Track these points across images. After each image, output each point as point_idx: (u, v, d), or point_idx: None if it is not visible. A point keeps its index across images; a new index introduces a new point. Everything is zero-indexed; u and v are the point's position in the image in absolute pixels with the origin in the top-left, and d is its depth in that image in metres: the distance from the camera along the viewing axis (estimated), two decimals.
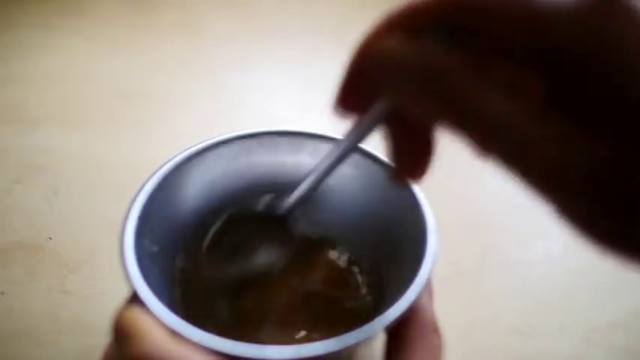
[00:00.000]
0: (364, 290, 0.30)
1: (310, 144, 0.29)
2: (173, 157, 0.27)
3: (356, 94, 0.18)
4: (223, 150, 0.28)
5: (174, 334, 0.19)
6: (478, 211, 0.44)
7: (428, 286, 0.22)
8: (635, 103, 0.12)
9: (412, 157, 0.19)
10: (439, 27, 0.14)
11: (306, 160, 0.30)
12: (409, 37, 0.15)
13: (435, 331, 0.21)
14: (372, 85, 0.17)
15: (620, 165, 0.12)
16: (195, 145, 0.28)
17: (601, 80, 0.12)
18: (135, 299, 0.20)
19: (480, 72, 0.13)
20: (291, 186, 0.24)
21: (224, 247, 0.27)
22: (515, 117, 0.13)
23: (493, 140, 0.14)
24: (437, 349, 0.21)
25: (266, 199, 0.26)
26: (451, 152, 0.49)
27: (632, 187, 0.12)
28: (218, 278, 0.27)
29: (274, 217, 0.25)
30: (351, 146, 0.20)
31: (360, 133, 0.19)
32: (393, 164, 0.19)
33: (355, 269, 0.31)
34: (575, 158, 0.13)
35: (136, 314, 0.19)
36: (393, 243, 0.27)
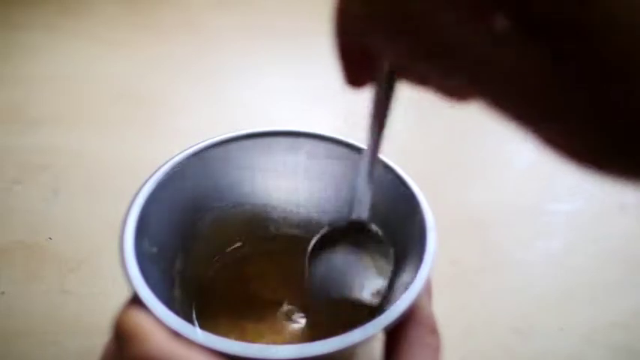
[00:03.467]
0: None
1: (308, 144, 0.29)
2: (171, 158, 0.27)
3: (354, 62, 0.18)
4: (221, 150, 0.28)
5: (176, 334, 0.19)
6: (478, 211, 0.44)
7: (427, 286, 0.23)
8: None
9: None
10: None
11: (303, 160, 0.30)
12: None
13: (434, 331, 0.21)
14: (362, 45, 0.17)
15: (580, 73, 0.13)
16: (193, 146, 0.28)
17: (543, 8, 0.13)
18: (135, 300, 0.20)
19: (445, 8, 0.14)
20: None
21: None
22: (481, 38, 0.13)
23: (465, 67, 0.14)
24: (435, 350, 0.21)
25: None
26: (452, 152, 0.49)
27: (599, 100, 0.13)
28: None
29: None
30: (385, 109, 0.20)
31: (382, 103, 0.20)
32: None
33: None
34: (537, 70, 0.13)
35: (137, 315, 0.19)
36: (392, 243, 0.27)
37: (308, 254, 0.26)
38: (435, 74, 0.16)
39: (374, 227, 0.25)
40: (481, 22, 0.14)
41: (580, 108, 0.13)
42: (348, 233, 0.26)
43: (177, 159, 0.27)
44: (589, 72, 0.13)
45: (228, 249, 0.31)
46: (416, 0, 0.14)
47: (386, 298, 0.25)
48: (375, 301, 0.25)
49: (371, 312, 0.24)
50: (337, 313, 0.26)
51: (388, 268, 0.25)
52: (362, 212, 0.25)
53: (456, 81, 0.15)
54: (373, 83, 0.20)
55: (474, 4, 0.14)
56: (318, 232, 0.26)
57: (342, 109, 0.54)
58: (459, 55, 0.14)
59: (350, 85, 0.19)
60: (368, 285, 0.25)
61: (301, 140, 0.29)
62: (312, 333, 0.28)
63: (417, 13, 0.14)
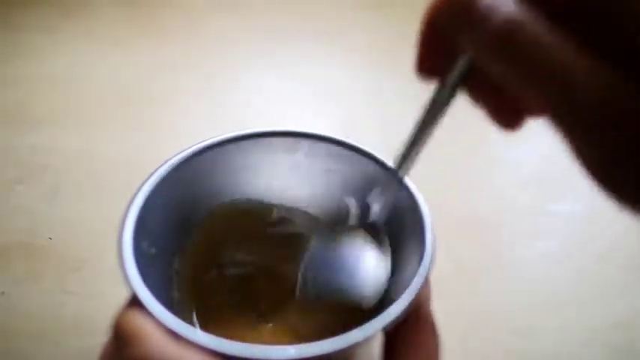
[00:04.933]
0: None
1: (306, 144, 0.29)
2: (170, 159, 0.27)
3: (435, 52, 0.18)
4: (220, 151, 0.28)
5: (175, 335, 0.19)
6: (478, 211, 0.44)
7: (426, 286, 0.23)
8: None
9: (504, 108, 0.19)
10: None
11: (301, 160, 0.30)
12: None
13: (434, 331, 0.21)
14: (450, 40, 0.17)
15: None
16: (191, 147, 0.28)
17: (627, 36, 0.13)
18: (134, 301, 0.20)
19: (549, 28, 0.14)
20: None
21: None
22: (575, 66, 0.14)
23: (551, 90, 0.14)
24: (435, 349, 0.21)
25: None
26: (451, 152, 0.49)
27: None
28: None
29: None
30: (437, 114, 0.20)
31: (443, 99, 0.19)
32: (491, 116, 0.19)
33: None
34: (618, 101, 0.13)
35: (136, 316, 0.19)
36: (390, 243, 0.27)
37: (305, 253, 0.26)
38: (518, 85, 0.15)
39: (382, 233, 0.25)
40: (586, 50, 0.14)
41: None
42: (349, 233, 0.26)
43: (176, 159, 0.27)
44: None
45: (228, 249, 0.31)
46: (532, 24, 0.14)
47: (383, 299, 0.25)
48: (369, 302, 0.25)
49: (364, 313, 0.23)
50: (329, 314, 0.26)
51: (385, 270, 0.25)
52: (379, 216, 0.25)
53: (537, 98, 0.15)
54: (441, 79, 0.19)
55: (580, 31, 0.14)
56: (317, 231, 0.26)
57: (341, 110, 0.54)
58: (554, 75, 0.14)
59: (422, 72, 0.19)
60: (363, 286, 0.25)
61: (300, 140, 0.29)
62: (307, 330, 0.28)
63: (531, 37, 0.14)
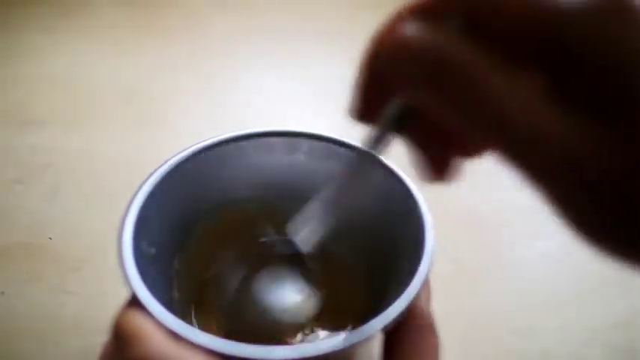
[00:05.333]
0: (362, 290, 0.30)
1: (306, 144, 0.29)
2: (170, 159, 0.27)
3: (372, 94, 0.17)
4: (220, 151, 0.28)
5: (175, 335, 0.19)
6: (478, 211, 0.44)
7: (426, 286, 0.23)
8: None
9: (436, 158, 0.19)
10: (452, 16, 0.14)
11: (301, 160, 0.30)
12: (423, 25, 0.14)
13: (433, 331, 0.21)
14: (387, 81, 0.16)
15: (625, 159, 0.12)
16: (191, 147, 0.28)
17: (604, 78, 0.12)
18: (134, 302, 0.20)
19: (491, 63, 0.13)
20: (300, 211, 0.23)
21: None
22: (525, 104, 0.13)
23: (501, 131, 0.14)
24: (434, 349, 0.21)
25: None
26: None
27: (633, 185, 0.12)
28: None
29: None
30: (369, 159, 0.19)
31: (376, 143, 0.18)
32: (418, 166, 0.19)
33: (354, 269, 0.31)
34: (581, 148, 0.13)
35: (136, 316, 0.19)
36: (391, 242, 0.27)
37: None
38: (461, 126, 0.15)
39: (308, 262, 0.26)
40: (524, 77, 0.13)
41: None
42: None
43: (175, 159, 0.27)
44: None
45: (227, 249, 0.31)
46: (473, 60, 0.13)
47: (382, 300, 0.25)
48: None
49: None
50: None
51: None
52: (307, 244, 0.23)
53: (480, 136, 0.14)
54: (379, 121, 0.18)
55: (513, 54, 0.13)
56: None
57: (341, 110, 0.54)
58: (504, 115, 0.13)
59: (356, 112, 0.18)
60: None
61: (300, 140, 0.29)
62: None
63: (472, 74, 0.13)
